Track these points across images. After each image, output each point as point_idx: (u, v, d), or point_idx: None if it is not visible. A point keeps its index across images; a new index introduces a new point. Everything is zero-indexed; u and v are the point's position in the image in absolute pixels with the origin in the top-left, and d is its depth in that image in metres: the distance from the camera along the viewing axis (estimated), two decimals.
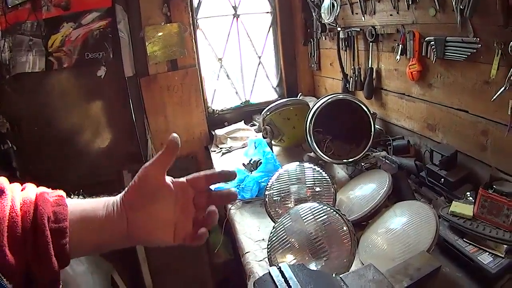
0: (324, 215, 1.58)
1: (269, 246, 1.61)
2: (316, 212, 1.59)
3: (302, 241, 1.55)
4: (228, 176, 0.83)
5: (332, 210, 1.60)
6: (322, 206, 1.62)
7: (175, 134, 0.80)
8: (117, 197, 0.80)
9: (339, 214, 1.59)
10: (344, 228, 1.56)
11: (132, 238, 0.78)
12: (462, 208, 1.67)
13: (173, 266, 3.20)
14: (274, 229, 1.65)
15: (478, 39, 1.77)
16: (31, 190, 0.73)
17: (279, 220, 1.67)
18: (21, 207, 0.68)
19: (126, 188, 0.79)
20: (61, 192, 0.77)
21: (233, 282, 3.01)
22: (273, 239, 1.61)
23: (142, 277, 3.11)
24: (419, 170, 2.16)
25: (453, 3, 1.80)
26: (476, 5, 1.69)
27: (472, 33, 1.79)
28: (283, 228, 1.61)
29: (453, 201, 1.74)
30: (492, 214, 1.58)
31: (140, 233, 0.78)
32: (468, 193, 1.77)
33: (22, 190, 0.73)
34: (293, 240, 1.57)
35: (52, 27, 2.77)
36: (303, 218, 1.60)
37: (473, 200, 1.70)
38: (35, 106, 2.87)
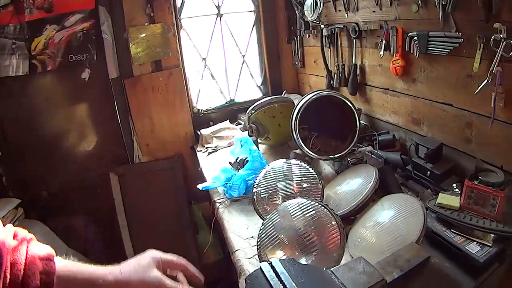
0: (313, 210, 1.58)
1: (258, 243, 1.60)
2: (304, 208, 1.59)
3: (292, 237, 1.55)
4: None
5: (320, 205, 1.60)
6: (310, 201, 1.62)
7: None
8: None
9: (327, 209, 1.59)
10: (333, 222, 1.56)
11: None
12: (449, 199, 1.70)
13: None
14: (263, 226, 1.64)
15: (460, 33, 1.79)
16: (22, 253, 0.81)
17: (267, 217, 1.67)
18: (10, 271, 0.76)
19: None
20: (51, 253, 0.87)
21: (224, 282, 3.01)
22: (263, 235, 1.61)
23: None
24: (405, 164, 2.18)
25: None
26: (457, 0, 1.72)
27: (454, 27, 1.82)
28: (272, 225, 1.61)
29: (440, 193, 1.78)
30: (479, 204, 1.61)
31: None
32: (454, 185, 1.81)
33: (14, 247, 0.80)
34: (282, 236, 1.57)
35: (35, 29, 2.73)
36: (291, 214, 1.60)
37: (459, 192, 1.74)
38: (20, 110, 2.84)
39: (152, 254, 1.03)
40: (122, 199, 3.20)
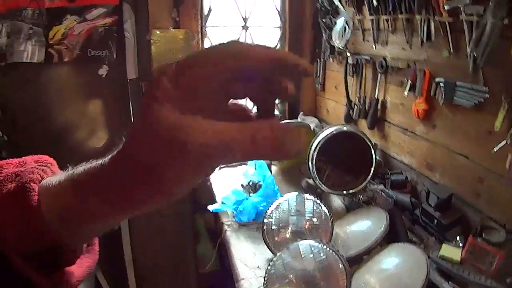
0: (323, 255, 1.60)
1: (266, 279, 1.63)
2: (316, 252, 1.61)
3: (300, 278, 1.59)
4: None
5: (331, 251, 1.61)
6: (322, 245, 1.63)
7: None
8: None
9: (337, 255, 1.60)
10: (341, 266, 1.59)
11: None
12: (451, 252, 1.73)
13: (159, 271, 3.21)
14: (273, 263, 1.66)
15: (488, 89, 1.78)
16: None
17: (278, 254, 1.68)
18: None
19: None
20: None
21: None
22: (271, 272, 1.63)
23: (127, 281, 3.10)
24: (414, 208, 2.18)
25: (468, 49, 1.80)
26: (490, 55, 1.70)
27: (482, 82, 1.80)
28: (282, 263, 1.63)
29: (443, 244, 1.80)
30: (478, 260, 1.64)
31: None
32: (458, 237, 1.83)
33: None
34: (291, 276, 1.60)
35: (54, 17, 2.67)
36: (303, 256, 1.61)
37: (461, 245, 1.77)
38: (31, 97, 2.79)
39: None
40: None
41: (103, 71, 2.93)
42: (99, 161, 0.44)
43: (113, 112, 3.08)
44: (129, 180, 0.41)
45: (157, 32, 2.93)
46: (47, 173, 0.49)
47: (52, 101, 2.87)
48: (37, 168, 0.49)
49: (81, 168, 0.45)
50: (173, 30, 2.98)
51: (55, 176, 0.47)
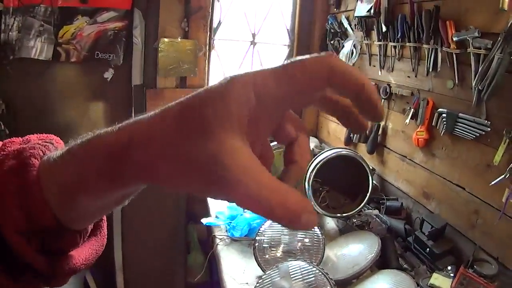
0: (312, 277, 1.59)
1: None
2: (306, 273, 1.61)
3: None
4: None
5: (320, 273, 1.60)
6: (311, 267, 1.62)
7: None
8: None
9: (326, 278, 1.59)
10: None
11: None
12: (441, 281, 1.74)
13: (148, 278, 3.20)
14: (262, 280, 1.65)
15: (490, 122, 1.79)
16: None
17: (267, 272, 1.67)
18: None
19: None
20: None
21: None
22: None
23: (115, 284, 3.10)
24: (407, 235, 2.18)
25: (473, 82, 1.81)
26: (495, 89, 1.71)
27: (485, 115, 1.81)
28: (270, 282, 1.62)
29: (434, 273, 1.81)
30: None
31: None
32: (449, 267, 1.85)
33: None
34: None
35: (66, 17, 2.69)
36: (291, 276, 1.60)
37: (452, 275, 1.77)
38: (35, 94, 2.80)
39: (241, 79, 0.35)
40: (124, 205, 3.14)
41: (108, 74, 2.94)
42: (104, 134, 0.40)
43: (115, 116, 3.02)
44: (132, 168, 0.36)
45: (166, 40, 2.94)
46: (50, 149, 0.46)
47: (56, 99, 2.88)
48: (39, 144, 0.46)
49: (84, 139, 0.42)
50: (181, 40, 2.98)
51: (57, 150, 0.44)
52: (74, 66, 2.85)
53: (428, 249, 1.98)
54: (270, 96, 0.35)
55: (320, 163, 2.27)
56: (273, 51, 3.55)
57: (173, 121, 0.34)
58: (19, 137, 0.50)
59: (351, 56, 2.80)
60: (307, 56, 0.36)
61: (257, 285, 1.63)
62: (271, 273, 1.65)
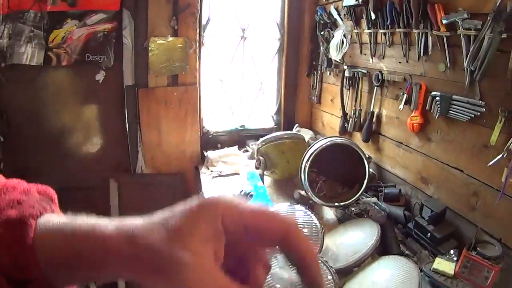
0: None
1: None
2: None
3: None
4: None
5: (319, 262, 1.57)
6: None
7: None
8: None
9: (326, 266, 1.57)
10: (329, 277, 1.55)
11: None
12: (444, 265, 1.70)
13: None
14: None
15: (484, 102, 1.77)
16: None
17: None
18: None
19: None
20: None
21: None
22: None
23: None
24: (407, 221, 2.16)
25: (465, 63, 1.80)
26: (487, 69, 1.69)
27: (478, 96, 1.80)
28: (269, 274, 1.58)
29: (437, 257, 1.77)
30: (473, 274, 1.61)
31: None
32: (452, 250, 1.82)
33: None
34: (278, 286, 1.55)
35: (55, 21, 2.69)
36: (290, 265, 1.57)
37: (455, 258, 1.74)
38: (28, 99, 2.80)
39: (212, 201, 0.43)
40: (119, 207, 3.17)
41: (100, 76, 2.92)
42: (102, 225, 0.44)
43: (109, 117, 3.07)
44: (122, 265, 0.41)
45: (156, 39, 2.92)
46: (47, 210, 0.50)
47: (49, 104, 2.87)
48: (38, 203, 0.50)
49: (84, 220, 0.45)
50: (171, 38, 2.97)
51: (55, 216, 0.48)
52: (66, 69, 2.84)
53: (429, 234, 1.96)
54: (232, 226, 0.40)
55: (315, 152, 2.26)
56: (263, 45, 3.53)
57: (160, 235, 0.40)
58: (20, 182, 0.54)
59: (342, 46, 2.78)
60: (274, 213, 0.42)
61: None
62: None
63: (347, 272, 1.77)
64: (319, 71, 3.38)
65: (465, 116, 1.88)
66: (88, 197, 3.04)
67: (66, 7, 2.68)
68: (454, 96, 1.93)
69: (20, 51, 2.66)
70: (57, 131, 2.95)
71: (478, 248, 1.67)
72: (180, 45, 3.01)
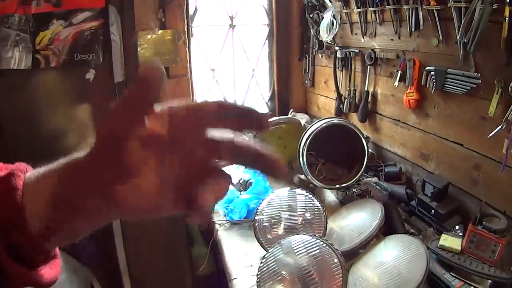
0: (317, 249, 1.55)
1: (259, 276, 1.58)
2: (309, 246, 1.57)
3: (293, 274, 1.53)
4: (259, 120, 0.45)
5: (324, 244, 1.56)
6: (315, 239, 1.58)
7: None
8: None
9: (332, 249, 1.55)
10: (336, 260, 1.53)
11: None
12: (451, 241, 1.69)
13: (155, 275, 3.17)
14: (265, 259, 1.61)
15: (479, 74, 1.75)
16: None
17: (270, 251, 1.64)
18: None
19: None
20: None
21: None
22: (264, 269, 1.58)
23: (123, 287, 3.06)
24: (409, 199, 2.15)
25: (457, 36, 1.77)
26: (480, 40, 1.66)
27: (473, 68, 1.78)
28: (274, 260, 1.58)
29: (443, 234, 1.75)
30: (479, 249, 1.60)
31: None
32: (457, 226, 1.82)
33: None
34: (284, 272, 1.55)
35: (41, 23, 2.63)
36: (295, 251, 1.56)
37: (461, 234, 1.74)
38: (19, 104, 2.74)
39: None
40: None
41: (90, 75, 2.87)
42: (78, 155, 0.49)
43: (102, 115, 2.99)
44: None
45: (144, 34, 2.88)
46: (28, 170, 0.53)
47: (40, 107, 2.82)
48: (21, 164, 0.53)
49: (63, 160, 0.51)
50: (159, 31, 2.93)
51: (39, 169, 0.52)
52: (55, 71, 2.79)
53: (433, 210, 1.96)
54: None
55: (312, 134, 2.24)
56: (253, 32, 3.48)
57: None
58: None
59: (332, 27, 2.75)
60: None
61: (261, 265, 1.59)
62: (274, 251, 1.61)
63: (353, 254, 1.77)
64: (311, 54, 3.35)
65: (461, 89, 1.86)
66: None
67: (50, 8, 2.63)
68: (449, 70, 1.91)
69: (7, 56, 2.60)
70: (51, 134, 2.89)
71: (483, 222, 1.65)
72: (169, 37, 2.96)
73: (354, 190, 2.24)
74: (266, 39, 3.51)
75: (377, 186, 2.26)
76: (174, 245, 3.22)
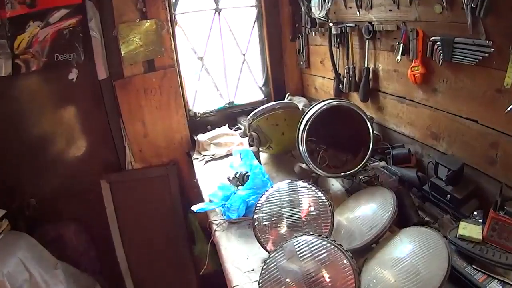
0: (324, 252, 1.40)
1: (260, 285, 1.42)
2: (315, 249, 1.41)
3: (300, 281, 1.37)
4: None
5: (332, 246, 1.40)
6: (321, 241, 1.42)
7: None
8: None
9: (341, 251, 1.39)
10: (346, 262, 1.38)
11: None
12: (471, 230, 1.55)
13: (157, 278, 3.11)
14: (266, 266, 1.46)
15: (491, 42, 1.59)
16: None
17: (271, 256, 1.48)
18: None
19: None
20: None
21: None
22: (265, 277, 1.43)
23: None
24: (421, 183, 2.00)
25: (464, 1, 1.61)
26: (490, 4, 1.51)
27: (484, 35, 1.62)
28: (275, 266, 1.43)
29: (461, 222, 1.61)
30: (503, 237, 1.46)
31: None
32: (475, 212, 1.67)
33: None
34: (288, 280, 1.39)
35: (17, 26, 2.55)
36: (299, 255, 1.41)
37: (481, 221, 1.59)
38: (3, 113, 2.69)
39: None
40: (114, 207, 3.05)
41: (73, 75, 2.79)
42: None
43: (89, 116, 2.94)
44: None
45: (125, 26, 2.75)
46: None
47: (25, 114, 2.77)
48: None
49: None
50: (140, 21, 2.78)
51: None
52: (37, 75, 2.72)
53: (448, 195, 1.81)
54: None
55: (311, 119, 2.08)
56: (240, 15, 3.32)
57: None
58: None
59: (324, 2, 2.57)
60: None
61: (262, 272, 1.44)
62: (276, 255, 1.46)
63: (365, 251, 1.61)
64: (304, 34, 3.19)
65: (471, 59, 1.70)
66: (82, 202, 2.99)
67: (25, 10, 2.55)
68: (456, 39, 1.75)
69: None
70: (38, 140, 2.85)
71: (505, 207, 1.50)
72: (152, 28, 2.83)
73: (361, 177, 2.07)
74: (255, 21, 3.35)
75: (385, 171, 2.11)
76: (176, 243, 3.16)
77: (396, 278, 1.40)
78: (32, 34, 2.59)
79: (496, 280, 1.38)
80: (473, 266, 1.46)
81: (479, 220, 1.60)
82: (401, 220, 1.73)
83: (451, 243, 1.52)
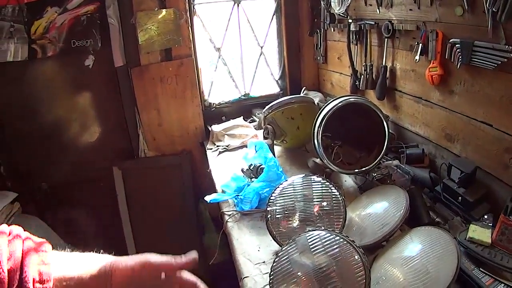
0: (337, 248, 1.40)
1: (271, 277, 1.43)
2: (328, 244, 1.41)
3: (310, 275, 1.38)
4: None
5: (345, 242, 1.41)
6: (334, 236, 1.43)
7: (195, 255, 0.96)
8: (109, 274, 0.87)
9: (353, 247, 1.40)
10: (357, 258, 1.38)
11: None
12: (480, 233, 1.55)
13: None
14: (278, 258, 1.46)
15: (511, 47, 1.57)
16: (18, 245, 0.77)
17: (283, 248, 1.49)
18: (8, 267, 0.71)
19: (120, 265, 0.89)
20: (47, 247, 0.82)
21: (228, 282, 2.88)
22: (277, 270, 1.44)
23: None
24: (434, 184, 2.00)
25: (485, 4, 1.60)
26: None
27: (504, 40, 1.60)
28: (287, 259, 1.44)
29: (471, 225, 1.61)
30: None
31: None
32: (485, 216, 1.66)
33: (9, 240, 0.77)
34: (300, 273, 1.40)
35: (35, 12, 2.57)
36: (312, 249, 1.42)
37: (490, 224, 1.59)
38: (18, 97, 2.71)
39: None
40: (126, 195, 3.08)
41: (89, 61, 2.81)
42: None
43: (104, 103, 2.96)
44: None
45: (143, 14, 2.75)
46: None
47: (41, 99, 2.78)
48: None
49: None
50: (158, 10, 2.79)
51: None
52: (53, 60, 2.74)
53: (460, 198, 1.80)
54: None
55: (328, 115, 2.09)
56: (259, 7, 3.32)
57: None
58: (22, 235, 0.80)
59: None
60: None
61: (274, 264, 1.45)
62: (288, 248, 1.47)
63: (375, 248, 1.63)
64: (322, 29, 3.17)
65: (490, 63, 1.68)
66: (93, 189, 3.03)
67: None
68: (476, 42, 1.73)
69: (3, 48, 2.57)
70: (53, 125, 2.87)
71: None
72: (170, 17, 2.84)
73: (374, 174, 2.07)
74: (274, 14, 3.34)
75: (398, 170, 2.10)
76: (186, 233, 3.17)
77: (405, 277, 1.41)
78: (50, 19, 2.60)
79: (502, 285, 1.38)
80: (480, 269, 1.46)
81: (489, 224, 1.60)
82: (412, 220, 1.73)
83: (460, 245, 1.52)
